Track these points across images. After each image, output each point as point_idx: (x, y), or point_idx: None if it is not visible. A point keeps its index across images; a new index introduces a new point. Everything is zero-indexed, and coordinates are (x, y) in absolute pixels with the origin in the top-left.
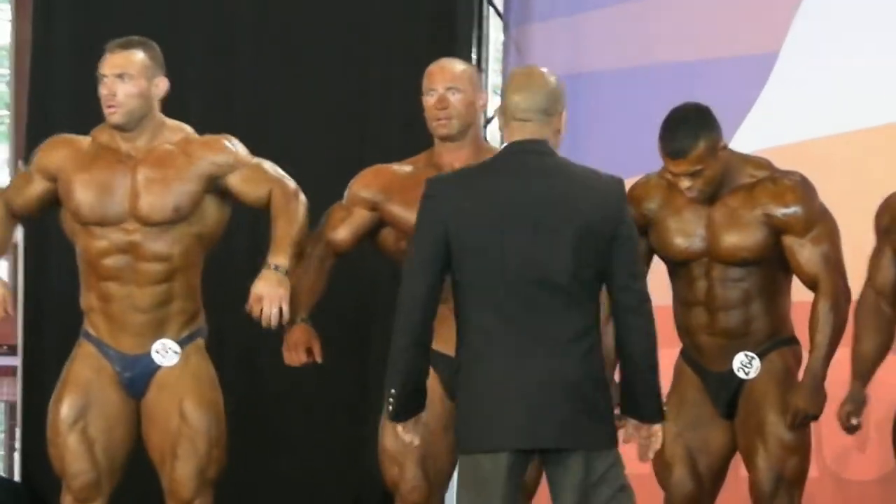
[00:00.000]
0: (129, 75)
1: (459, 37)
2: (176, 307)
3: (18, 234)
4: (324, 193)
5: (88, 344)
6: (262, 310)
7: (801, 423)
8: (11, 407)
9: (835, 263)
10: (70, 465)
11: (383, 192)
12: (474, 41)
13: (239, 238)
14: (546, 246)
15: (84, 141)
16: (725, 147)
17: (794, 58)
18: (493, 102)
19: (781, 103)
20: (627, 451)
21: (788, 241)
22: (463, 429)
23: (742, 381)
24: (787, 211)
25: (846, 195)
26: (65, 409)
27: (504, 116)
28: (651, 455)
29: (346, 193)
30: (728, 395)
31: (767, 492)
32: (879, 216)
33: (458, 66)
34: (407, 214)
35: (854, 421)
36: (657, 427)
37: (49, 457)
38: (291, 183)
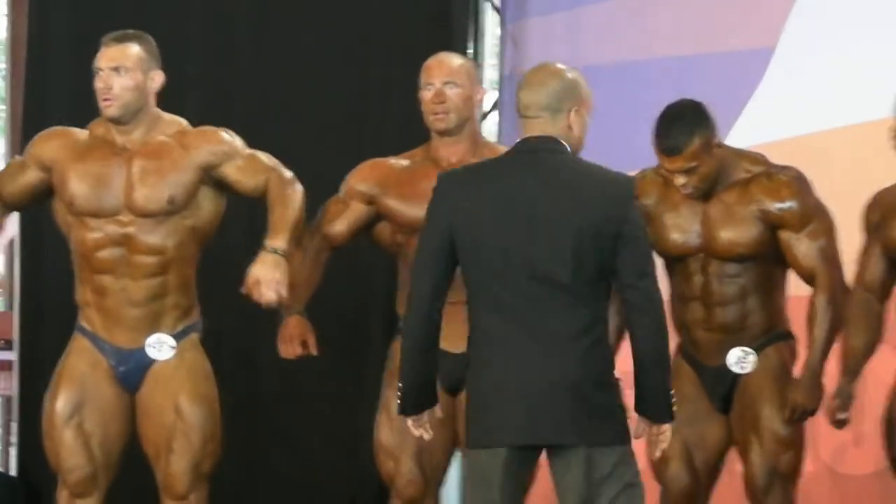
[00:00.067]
0: (124, 68)
1: (456, 31)
2: (170, 301)
3: (15, 228)
4: (322, 192)
5: (83, 338)
6: (259, 292)
7: (800, 417)
8: (8, 401)
9: (831, 258)
10: (66, 460)
11: (380, 185)
12: (471, 36)
13: (236, 235)
14: (546, 244)
15: (80, 133)
16: (720, 143)
17: (790, 53)
18: (490, 97)
19: (777, 98)
20: (637, 445)
21: (785, 236)
22: (468, 425)
23: (738, 375)
24: (782, 206)
25: (842, 190)
26: (60, 403)
27: (517, 113)
28: (658, 453)
29: (342, 187)
30: (724, 390)
31: (761, 486)
32: (868, 213)
33: (455, 60)
34: (403, 208)
35: (841, 416)
36: (665, 426)
37: (45, 451)
38: (287, 172)
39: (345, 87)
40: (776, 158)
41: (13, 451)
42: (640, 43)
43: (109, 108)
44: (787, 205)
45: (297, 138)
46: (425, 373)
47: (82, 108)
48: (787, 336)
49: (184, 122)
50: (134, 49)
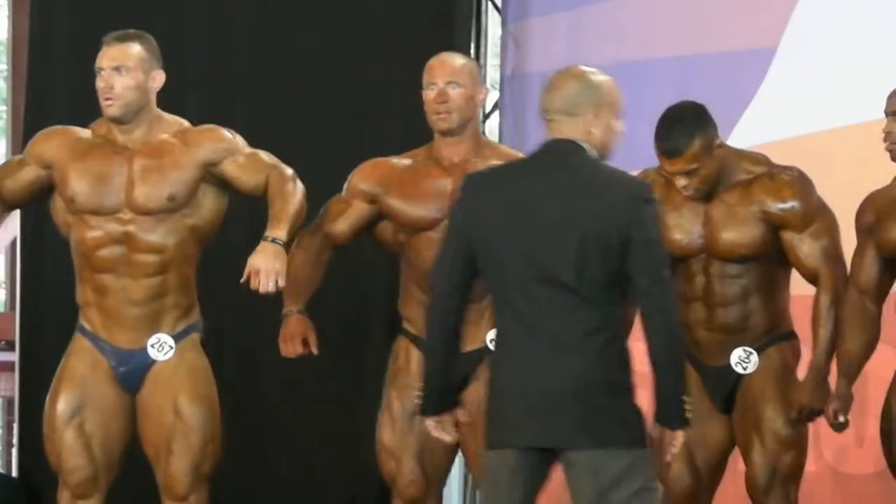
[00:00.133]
0: (126, 68)
1: (458, 31)
2: (171, 301)
3: (16, 229)
4: (322, 192)
5: (83, 339)
6: (258, 282)
7: (807, 418)
8: (9, 402)
9: (835, 257)
10: (67, 461)
11: (382, 184)
12: (472, 36)
13: (237, 234)
14: (551, 247)
15: (81, 132)
16: (721, 145)
17: (792, 53)
18: (492, 97)
19: (779, 98)
20: None
21: (787, 236)
22: (485, 425)
23: (740, 375)
24: (784, 206)
25: (845, 190)
26: (61, 404)
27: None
28: (668, 458)
29: (345, 186)
30: (726, 390)
31: (762, 486)
32: (861, 214)
33: (458, 60)
34: (405, 207)
35: (841, 418)
36: (678, 433)
37: (46, 453)
38: (288, 169)
39: (345, 87)
40: (778, 158)
41: (14, 452)
42: (641, 43)
43: (111, 108)
44: (789, 205)
45: (298, 138)
46: (446, 373)
47: (83, 108)
48: (790, 336)
49: (185, 122)
50: (135, 48)
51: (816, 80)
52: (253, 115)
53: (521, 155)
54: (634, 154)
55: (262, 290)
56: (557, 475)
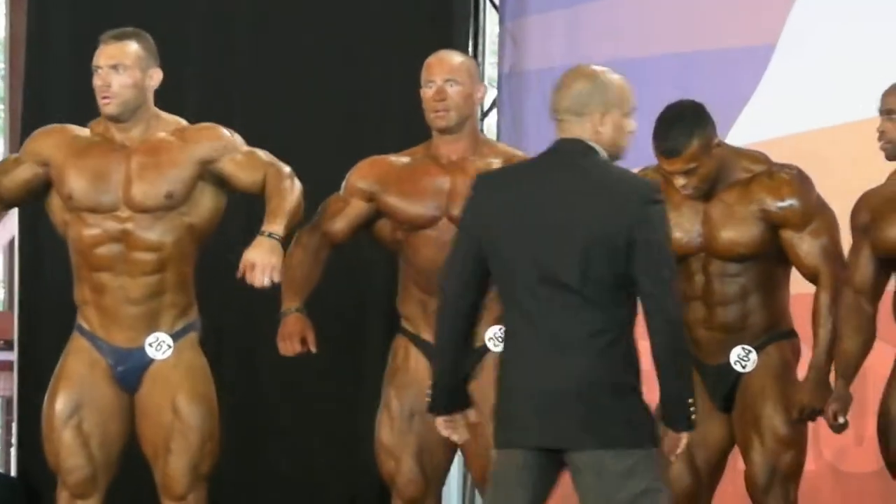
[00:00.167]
0: (123, 66)
1: (456, 29)
2: (168, 299)
3: (14, 228)
4: (322, 192)
5: (81, 338)
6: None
7: (808, 417)
8: (8, 402)
9: (834, 256)
10: (65, 461)
11: (380, 182)
12: (471, 34)
13: (236, 235)
14: (557, 247)
15: (79, 130)
16: (720, 143)
17: (791, 49)
18: (490, 95)
19: (779, 95)
20: None
21: (787, 235)
22: (493, 424)
23: (739, 374)
24: (783, 205)
25: (844, 188)
26: (59, 404)
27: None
28: (672, 458)
29: (343, 184)
30: (725, 389)
31: (762, 485)
32: (856, 214)
33: (456, 58)
34: (403, 205)
35: (841, 419)
36: (683, 435)
37: (45, 452)
38: (286, 167)
39: (344, 87)
40: (777, 156)
41: (13, 452)
42: (639, 40)
43: (108, 106)
44: (788, 203)
45: (297, 138)
46: (456, 372)
47: (82, 107)
48: (790, 334)
49: (183, 121)
50: (132, 47)
51: (816, 77)
52: (252, 116)
53: (519, 153)
54: (633, 151)
55: (256, 284)
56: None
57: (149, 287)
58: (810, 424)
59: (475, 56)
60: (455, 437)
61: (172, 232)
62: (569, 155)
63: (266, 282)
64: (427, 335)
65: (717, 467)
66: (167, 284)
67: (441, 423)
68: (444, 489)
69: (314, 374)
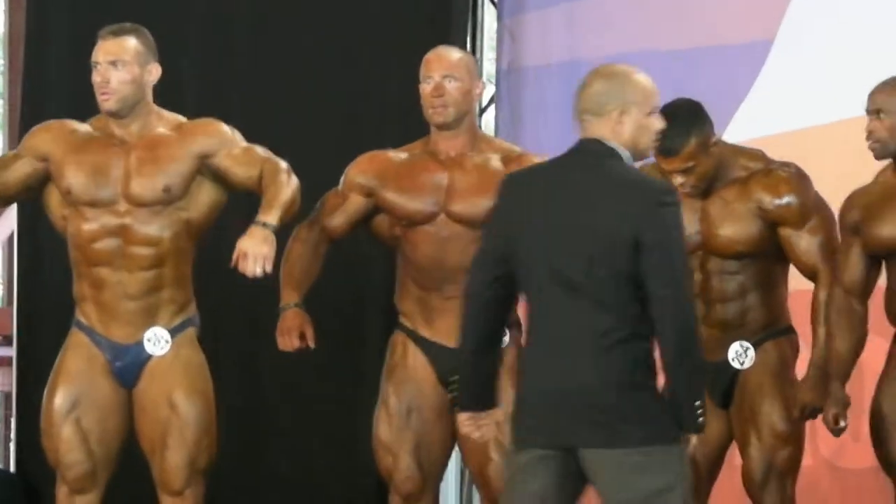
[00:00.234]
0: (122, 62)
1: (454, 26)
2: (166, 295)
3: (13, 224)
4: (320, 192)
5: (80, 333)
6: (246, 266)
7: (809, 415)
8: (6, 397)
9: (833, 253)
10: (64, 456)
11: (378, 178)
12: (469, 30)
13: (235, 234)
14: (565, 246)
15: (78, 126)
16: (718, 141)
17: (788, 46)
18: (488, 91)
19: (776, 92)
20: None
21: (785, 232)
22: (511, 423)
23: (737, 370)
24: (781, 202)
25: (842, 185)
26: (58, 400)
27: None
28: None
29: (341, 179)
30: (723, 385)
31: (759, 480)
32: (845, 213)
33: (455, 54)
34: (402, 201)
35: (842, 423)
36: (692, 437)
37: (44, 448)
38: (283, 162)
39: (343, 87)
40: (775, 152)
41: (12, 447)
42: (637, 36)
43: (107, 102)
44: (785, 201)
45: (297, 139)
46: (479, 370)
47: (80, 103)
48: (788, 331)
49: (182, 118)
50: (131, 42)
51: (814, 73)
52: (252, 116)
53: (517, 149)
54: None
55: (248, 273)
56: None
57: (147, 282)
58: (807, 421)
59: (473, 52)
60: (476, 435)
61: (170, 227)
62: (586, 155)
63: (258, 271)
64: (425, 331)
65: (716, 463)
66: (165, 280)
67: (464, 420)
68: (442, 485)
69: (313, 372)
